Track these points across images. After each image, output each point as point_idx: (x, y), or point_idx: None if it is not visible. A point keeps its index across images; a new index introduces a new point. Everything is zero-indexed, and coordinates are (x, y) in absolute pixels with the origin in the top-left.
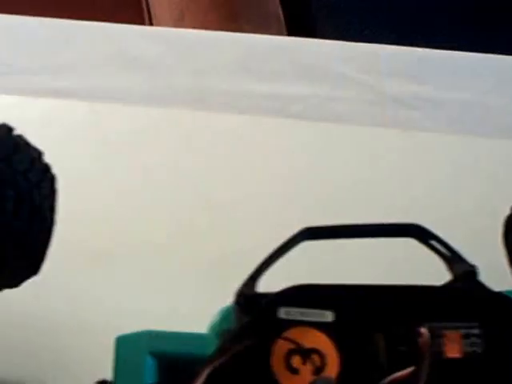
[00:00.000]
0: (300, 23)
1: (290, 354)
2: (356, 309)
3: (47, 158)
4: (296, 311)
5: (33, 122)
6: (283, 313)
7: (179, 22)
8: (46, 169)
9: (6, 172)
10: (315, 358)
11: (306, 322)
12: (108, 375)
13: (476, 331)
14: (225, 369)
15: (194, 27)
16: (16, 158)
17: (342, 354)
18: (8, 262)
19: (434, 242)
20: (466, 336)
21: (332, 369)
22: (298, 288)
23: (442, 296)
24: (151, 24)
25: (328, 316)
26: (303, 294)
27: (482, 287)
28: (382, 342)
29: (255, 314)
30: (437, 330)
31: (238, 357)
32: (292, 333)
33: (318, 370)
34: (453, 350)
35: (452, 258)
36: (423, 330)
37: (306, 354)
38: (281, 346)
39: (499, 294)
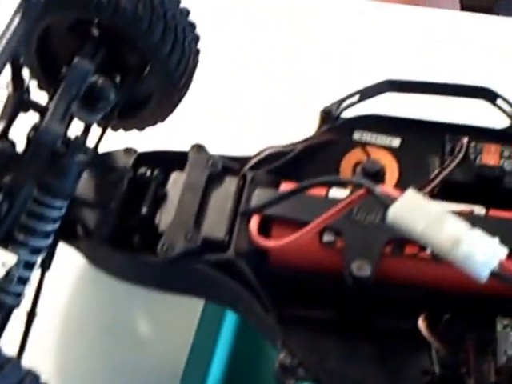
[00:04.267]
0: None
1: (358, 163)
2: (419, 137)
3: None
4: (368, 134)
5: None
6: (357, 135)
7: None
8: (192, 25)
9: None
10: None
11: (376, 145)
12: None
13: None
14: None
15: None
16: None
17: (402, 171)
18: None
19: (500, 102)
20: (509, 156)
21: (391, 180)
22: (372, 116)
23: (500, 133)
24: None
25: (395, 141)
26: (376, 122)
27: None
28: (436, 163)
29: (334, 131)
30: (477, 140)
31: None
32: (363, 150)
33: (379, 181)
34: (489, 159)
35: None
36: (463, 139)
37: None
38: (353, 154)
39: None
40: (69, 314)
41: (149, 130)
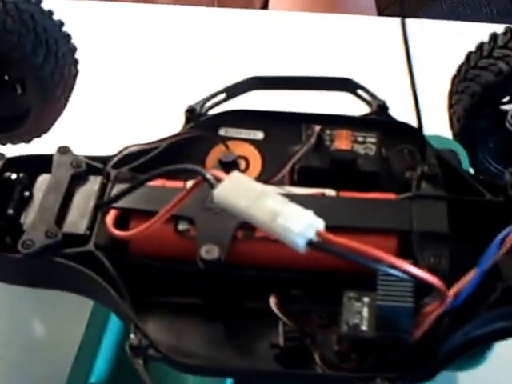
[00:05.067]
0: None
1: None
2: (280, 129)
3: None
4: (233, 130)
5: None
6: (222, 131)
7: None
8: (67, 36)
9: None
10: (242, 161)
11: (240, 139)
12: None
13: (373, 139)
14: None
15: None
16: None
17: (265, 161)
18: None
19: (361, 93)
20: (362, 141)
21: (253, 171)
22: (235, 112)
23: (354, 119)
24: None
25: (258, 134)
26: (239, 117)
27: (389, 116)
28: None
29: (199, 129)
30: (330, 127)
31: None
32: (228, 144)
33: (242, 172)
34: (342, 144)
35: (373, 101)
36: (315, 126)
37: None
38: (217, 150)
39: (403, 122)
40: None
41: None
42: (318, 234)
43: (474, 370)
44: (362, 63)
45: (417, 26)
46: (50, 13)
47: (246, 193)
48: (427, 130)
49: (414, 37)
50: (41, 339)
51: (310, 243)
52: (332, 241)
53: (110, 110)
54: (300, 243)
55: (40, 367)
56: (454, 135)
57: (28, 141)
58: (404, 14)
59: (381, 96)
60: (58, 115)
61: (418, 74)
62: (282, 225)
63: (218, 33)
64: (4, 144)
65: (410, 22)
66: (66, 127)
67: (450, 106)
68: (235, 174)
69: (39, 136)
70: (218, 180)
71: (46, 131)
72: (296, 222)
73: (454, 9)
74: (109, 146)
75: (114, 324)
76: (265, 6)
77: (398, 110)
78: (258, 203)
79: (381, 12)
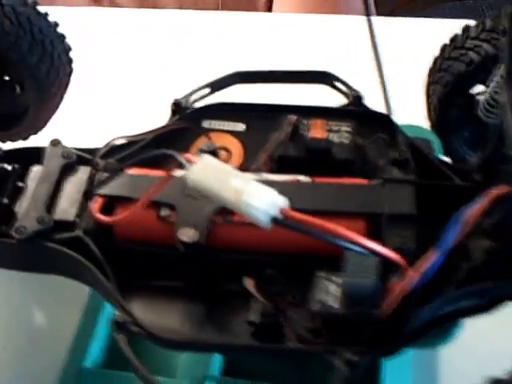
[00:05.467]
0: None
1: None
2: (261, 120)
3: None
4: (216, 122)
5: None
6: (206, 123)
7: None
8: (62, 36)
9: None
10: (224, 152)
11: (223, 131)
12: None
13: (347, 128)
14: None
15: None
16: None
17: (246, 152)
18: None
19: (338, 85)
20: (337, 130)
21: (235, 161)
22: (218, 104)
23: (331, 110)
24: None
25: (240, 126)
26: (222, 109)
27: (365, 106)
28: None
29: (183, 121)
30: (306, 117)
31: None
32: (210, 135)
33: (224, 161)
34: (317, 133)
35: (350, 93)
36: (291, 116)
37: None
38: (200, 141)
39: (377, 112)
40: None
41: None
42: (282, 211)
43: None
44: (361, 61)
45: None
46: (46, 14)
47: (214, 174)
48: (405, 121)
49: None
50: (37, 325)
51: (274, 220)
52: (295, 218)
53: (101, 105)
54: (264, 220)
55: (36, 353)
56: (432, 125)
57: (25, 138)
58: (368, 13)
59: (366, 89)
60: (54, 112)
61: (399, 69)
62: (246, 202)
63: (221, 35)
64: (4, 141)
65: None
66: (59, 121)
67: (428, 97)
68: (206, 157)
69: (36, 133)
70: (190, 163)
71: (42, 128)
72: (259, 199)
73: None
74: (100, 139)
75: (110, 310)
76: (269, 10)
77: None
78: (225, 183)
79: (391, 12)
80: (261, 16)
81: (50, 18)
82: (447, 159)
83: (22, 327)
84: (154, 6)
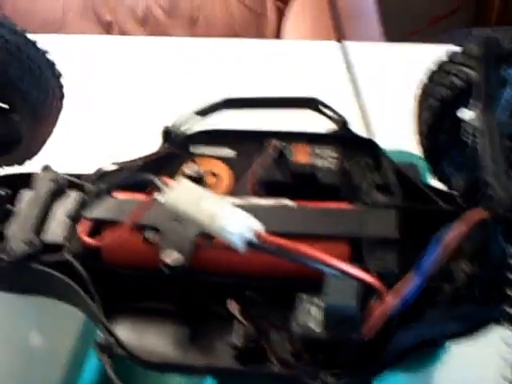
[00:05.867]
0: None
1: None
2: (248, 146)
3: None
4: (204, 148)
5: None
6: (194, 149)
7: None
8: (52, 64)
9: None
10: (211, 177)
11: (211, 156)
12: None
13: (332, 153)
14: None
15: None
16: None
17: (234, 176)
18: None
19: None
20: (322, 155)
21: (223, 186)
22: (207, 131)
23: (318, 135)
24: None
25: (228, 152)
26: (211, 135)
27: (350, 132)
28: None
29: (173, 146)
30: (290, 141)
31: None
32: (198, 160)
33: (211, 186)
34: (301, 157)
35: (338, 120)
36: (275, 141)
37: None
38: (187, 166)
39: (362, 137)
40: None
41: None
42: (257, 235)
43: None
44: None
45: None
46: (34, 42)
47: (191, 198)
48: (394, 146)
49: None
50: (33, 346)
51: (249, 244)
52: (270, 241)
53: (95, 131)
54: (238, 243)
55: (31, 374)
56: (423, 151)
57: (21, 163)
58: (339, 39)
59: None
60: (47, 137)
61: (391, 96)
62: (220, 226)
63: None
64: (1, 167)
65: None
66: (51, 146)
67: (416, 122)
68: (183, 181)
69: (31, 158)
70: (169, 187)
71: (37, 152)
72: (233, 223)
73: None
74: (94, 164)
75: None
76: (277, 36)
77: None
78: (200, 207)
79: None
80: (268, 43)
81: (59, 46)
82: (439, 184)
83: (17, 348)
84: (164, 34)
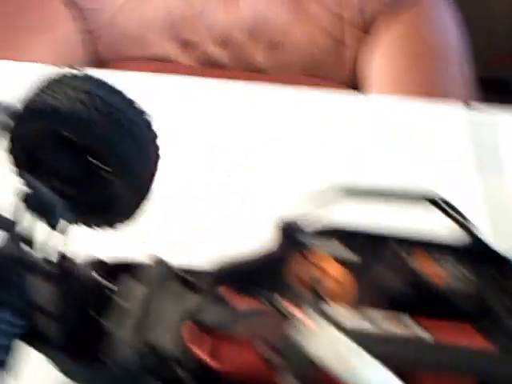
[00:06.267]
0: None
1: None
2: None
3: None
4: (326, 247)
5: None
6: (315, 247)
7: None
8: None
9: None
10: (331, 282)
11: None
12: None
13: (464, 271)
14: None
15: None
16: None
17: (356, 284)
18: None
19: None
20: (453, 273)
21: (344, 295)
22: (331, 230)
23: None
24: None
25: (353, 256)
26: (334, 235)
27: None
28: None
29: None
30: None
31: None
32: (312, 258)
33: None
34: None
35: (464, 223)
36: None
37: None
38: (303, 270)
39: (498, 252)
40: None
41: None
42: None
43: None
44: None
45: None
46: (131, 100)
47: (336, 352)
48: None
49: None
50: None
51: None
52: None
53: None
54: None
55: None
56: None
57: (112, 226)
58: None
59: None
60: (142, 202)
61: None
62: None
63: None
64: (90, 227)
65: None
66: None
67: None
68: (325, 326)
69: (123, 222)
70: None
71: (130, 217)
72: None
73: None
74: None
75: None
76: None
77: None
78: (350, 367)
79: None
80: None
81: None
82: None
83: None
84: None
